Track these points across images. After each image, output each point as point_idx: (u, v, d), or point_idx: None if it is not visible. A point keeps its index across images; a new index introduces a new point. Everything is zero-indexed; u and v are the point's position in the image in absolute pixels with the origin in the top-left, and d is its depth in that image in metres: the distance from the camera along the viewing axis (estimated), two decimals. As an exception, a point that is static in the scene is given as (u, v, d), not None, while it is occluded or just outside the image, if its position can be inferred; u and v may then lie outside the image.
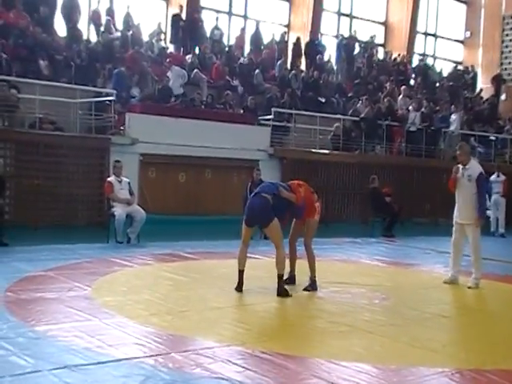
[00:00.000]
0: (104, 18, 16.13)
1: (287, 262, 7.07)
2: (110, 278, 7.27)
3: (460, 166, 7.88)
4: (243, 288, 6.76)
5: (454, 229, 8.00)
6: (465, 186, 7.80)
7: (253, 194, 6.94)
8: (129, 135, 13.25)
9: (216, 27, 18.72)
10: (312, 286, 7.07)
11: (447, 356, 4.87)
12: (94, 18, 16.16)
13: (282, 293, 6.63)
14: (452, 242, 8.05)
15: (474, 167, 7.89)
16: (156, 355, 4.45)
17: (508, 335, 5.73)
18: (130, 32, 16.41)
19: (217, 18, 19.06)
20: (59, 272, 7.35)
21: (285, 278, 6.91)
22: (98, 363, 4.22)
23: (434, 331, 5.64)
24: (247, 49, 19.52)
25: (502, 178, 15.30)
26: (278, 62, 18.68)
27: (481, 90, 24.69)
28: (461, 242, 7.98)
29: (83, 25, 16.00)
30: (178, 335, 5.07)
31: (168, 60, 16.21)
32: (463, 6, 26.99)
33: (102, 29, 15.62)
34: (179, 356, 4.47)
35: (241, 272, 6.83)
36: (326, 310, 6.45)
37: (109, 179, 10.71)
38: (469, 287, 7.80)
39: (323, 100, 18.13)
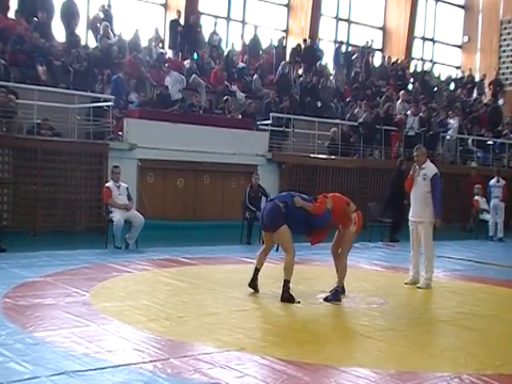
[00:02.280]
0: (102, 24, 16.14)
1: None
2: (108, 283, 7.26)
3: (417, 166, 8.20)
4: (256, 289, 6.98)
5: (410, 229, 8.24)
6: (419, 184, 8.12)
7: (268, 200, 7.05)
8: (127, 141, 13.25)
9: (214, 32, 18.75)
10: (334, 296, 6.84)
11: (446, 360, 4.86)
12: (93, 24, 16.17)
13: (285, 298, 6.60)
14: (411, 241, 8.26)
15: (430, 167, 8.23)
16: (155, 361, 4.44)
17: (508, 340, 5.72)
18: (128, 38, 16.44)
19: (215, 24, 19.10)
20: (57, 278, 7.34)
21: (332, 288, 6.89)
22: (97, 369, 4.21)
23: (433, 336, 5.64)
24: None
25: (502, 182, 15.30)
26: (281, 64, 18.58)
27: (479, 94, 24.73)
28: (416, 240, 8.19)
29: (81, 30, 16.00)
30: (177, 341, 5.06)
31: (167, 65, 16.21)
32: (461, 11, 27.07)
33: (100, 34, 15.62)
34: (178, 361, 4.46)
35: (256, 270, 7.04)
36: (325, 314, 6.44)
37: (107, 185, 10.70)
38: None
39: (320, 105, 18.12)
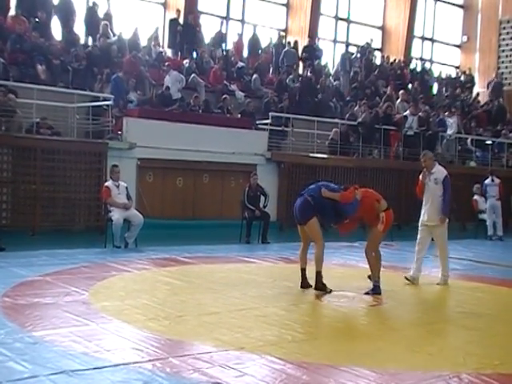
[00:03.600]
0: (101, 23, 16.13)
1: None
2: (107, 282, 7.26)
3: (426, 172, 8.30)
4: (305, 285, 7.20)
5: (419, 229, 8.38)
6: (432, 189, 8.24)
7: (299, 194, 7.28)
8: (126, 140, 13.24)
9: (220, 32, 18.80)
10: (374, 290, 7.16)
11: (445, 360, 4.86)
12: (92, 23, 16.15)
13: (319, 288, 7.00)
14: (417, 241, 8.38)
15: (440, 171, 8.33)
16: (154, 360, 4.44)
17: (507, 339, 5.73)
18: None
19: (221, 23, 19.17)
20: (56, 277, 7.34)
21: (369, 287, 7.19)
22: (96, 368, 4.21)
23: (432, 335, 5.64)
24: (245, 53, 19.55)
25: (497, 181, 15.32)
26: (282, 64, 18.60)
27: (477, 94, 24.76)
28: (426, 241, 8.35)
29: (81, 29, 15.99)
30: (176, 340, 5.06)
31: (167, 64, 16.21)
32: (460, 11, 27.06)
33: (100, 33, 15.61)
34: (177, 361, 4.46)
35: (302, 270, 7.30)
36: (324, 314, 6.45)
37: (106, 184, 10.70)
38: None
39: (320, 104, 18.13)
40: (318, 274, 7.09)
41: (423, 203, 8.36)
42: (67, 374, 4.06)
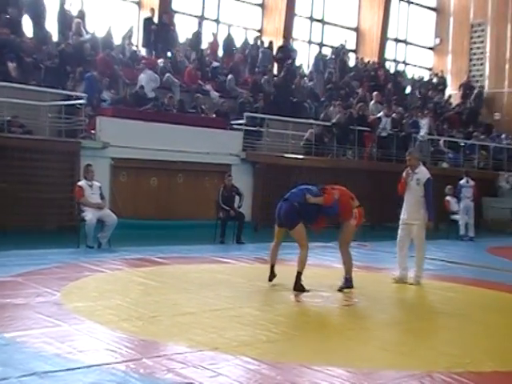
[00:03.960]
0: (74, 20, 15.97)
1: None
2: (80, 283, 7.19)
3: (410, 171, 8.36)
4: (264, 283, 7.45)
5: (400, 228, 8.48)
6: (413, 189, 8.31)
7: (283, 198, 7.53)
8: (100, 139, 13.12)
9: (198, 31, 18.75)
10: (346, 283, 7.40)
11: (417, 359, 4.91)
12: (65, 20, 15.97)
13: (298, 288, 7.21)
14: (398, 240, 8.48)
15: (423, 172, 8.39)
16: (127, 361, 4.41)
17: (477, 338, 5.80)
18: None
19: (199, 23, 19.13)
20: (28, 277, 7.24)
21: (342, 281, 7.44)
22: (68, 370, 4.17)
23: (405, 334, 5.69)
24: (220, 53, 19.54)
25: (472, 183, 15.52)
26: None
27: (449, 96, 25.09)
28: (406, 240, 8.45)
29: (53, 27, 15.79)
30: (150, 340, 5.03)
31: (143, 62, 16.10)
32: (433, 14, 27.39)
33: (73, 31, 15.45)
34: (150, 361, 4.43)
35: (271, 266, 7.61)
36: (299, 314, 6.47)
37: (79, 183, 10.61)
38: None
39: (295, 105, 18.18)
40: (299, 275, 7.27)
41: (404, 201, 8.43)
42: (39, 376, 4.01)
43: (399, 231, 8.48)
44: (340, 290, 7.39)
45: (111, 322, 5.48)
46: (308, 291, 7.21)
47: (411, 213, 8.31)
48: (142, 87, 14.88)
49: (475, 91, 24.80)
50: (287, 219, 7.37)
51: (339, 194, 7.45)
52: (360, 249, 12.03)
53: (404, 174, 8.39)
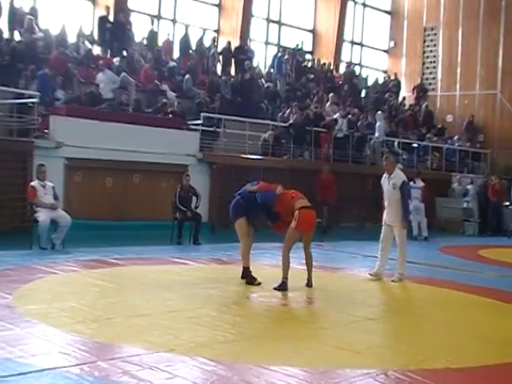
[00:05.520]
0: (26, 17, 15.63)
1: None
2: (33, 285, 7.03)
3: (386, 175, 8.74)
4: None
5: (383, 227, 8.89)
6: (390, 192, 8.68)
7: (232, 196, 8.05)
8: (53, 139, 12.87)
9: (152, 31, 18.58)
10: (279, 286, 7.40)
11: (373, 357, 4.98)
12: (16, 17, 15.62)
13: (248, 281, 7.59)
14: (381, 238, 8.87)
15: (399, 176, 8.70)
16: (81, 364, 4.34)
17: (431, 336, 5.91)
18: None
19: (152, 22, 18.94)
20: (-22, 280, 7.05)
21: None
22: (20, 374, 4.07)
23: (360, 333, 5.75)
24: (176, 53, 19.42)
25: (421, 184, 15.78)
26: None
27: (404, 98, 25.54)
28: (388, 237, 8.82)
29: (4, 23, 15.42)
30: (105, 343, 4.96)
31: (101, 63, 15.87)
32: (387, 17, 27.82)
33: (24, 28, 15.11)
34: (106, 364, 4.37)
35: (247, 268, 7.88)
36: (256, 314, 6.48)
37: (32, 184, 10.40)
38: (392, 281, 8.59)
39: (252, 105, 18.22)
40: (245, 270, 7.72)
41: (385, 204, 8.80)
42: (-11, 381, 3.91)
43: (382, 230, 8.87)
44: (275, 289, 7.37)
45: (65, 324, 5.38)
46: (259, 284, 7.50)
47: (391, 216, 8.70)
48: (97, 86, 14.65)
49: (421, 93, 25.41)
50: (232, 213, 7.87)
51: (281, 191, 7.73)
52: (317, 249, 12.13)
53: (382, 179, 8.78)
